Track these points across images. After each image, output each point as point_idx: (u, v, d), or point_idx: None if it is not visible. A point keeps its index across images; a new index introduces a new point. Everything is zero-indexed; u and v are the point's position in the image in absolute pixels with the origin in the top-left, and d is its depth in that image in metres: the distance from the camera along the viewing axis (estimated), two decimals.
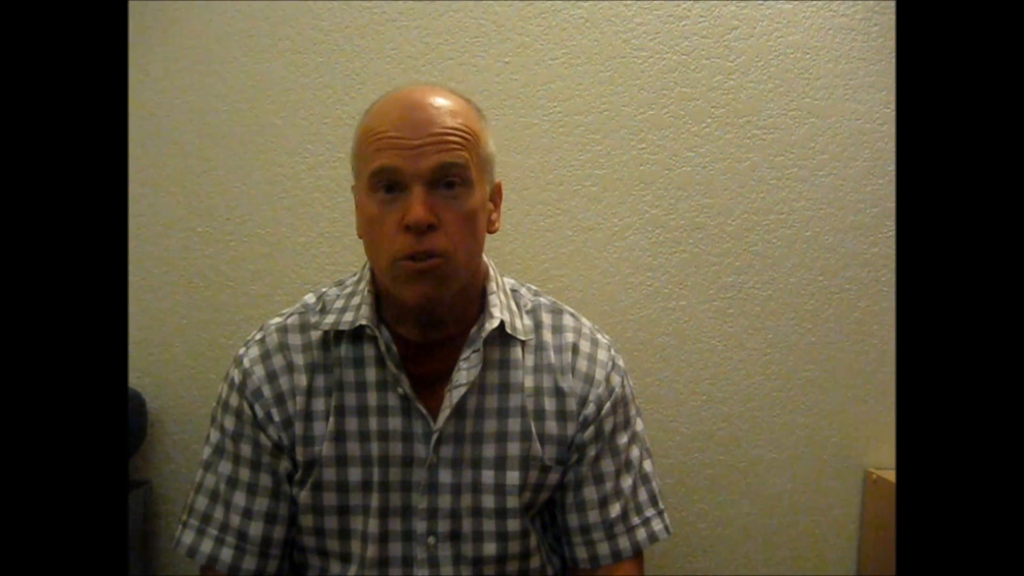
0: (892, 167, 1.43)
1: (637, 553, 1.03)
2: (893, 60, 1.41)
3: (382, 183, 0.89)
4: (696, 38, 1.40)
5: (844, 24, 1.41)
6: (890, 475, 1.39)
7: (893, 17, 1.41)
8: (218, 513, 0.97)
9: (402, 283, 0.89)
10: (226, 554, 0.96)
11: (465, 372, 0.95)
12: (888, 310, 1.44)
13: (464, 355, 0.96)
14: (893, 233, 1.43)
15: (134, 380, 1.39)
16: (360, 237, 0.95)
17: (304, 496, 0.96)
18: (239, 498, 0.96)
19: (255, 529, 0.96)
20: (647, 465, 1.06)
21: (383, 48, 1.39)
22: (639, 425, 1.06)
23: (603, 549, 1.01)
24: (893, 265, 1.43)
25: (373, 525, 0.95)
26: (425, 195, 0.87)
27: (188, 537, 0.98)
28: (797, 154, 1.42)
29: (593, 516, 1.01)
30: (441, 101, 0.91)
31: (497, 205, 1.00)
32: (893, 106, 1.42)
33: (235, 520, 0.96)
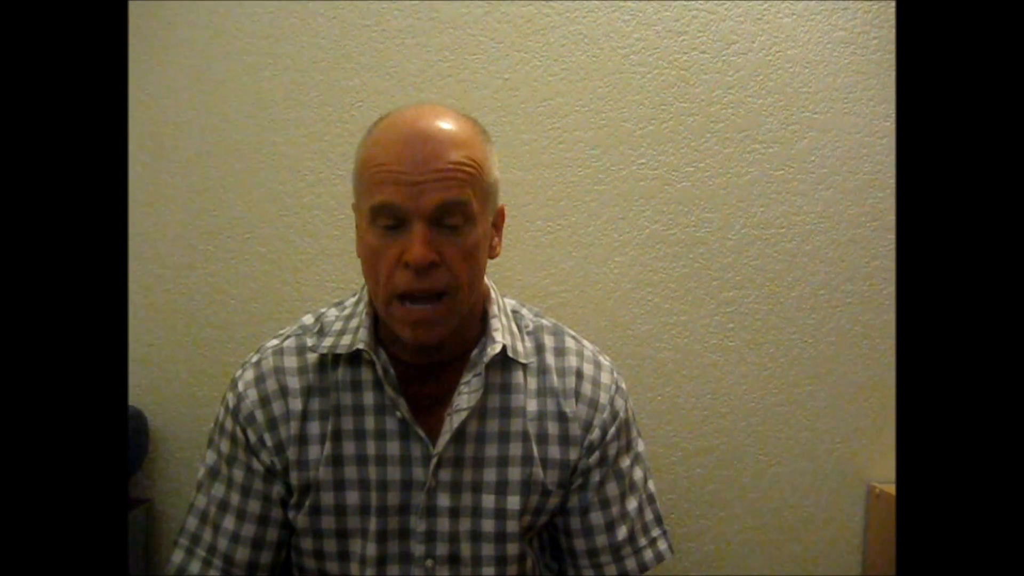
0: (892, 180, 1.42)
1: (644, 573, 1.03)
2: (892, 73, 1.41)
3: (382, 217, 0.88)
4: (695, 53, 1.41)
5: (843, 38, 1.41)
6: (893, 489, 1.38)
7: (892, 31, 1.41)
8: (207, 535, 0.97)
9: (398, 325, 0.89)
10: None
11: (466, 396, 0.94)
12: (889, 323, 1.43)
13: (465, 379, 0.95)
14: (894, 246, 1.43)
15: (136, 398, 1.40)
16: (359, 256, 0.95)
17: (302, 520, 0.95)
18: (228, 522, 0.96)
19: (241, 554, 0.96)
20: (651, 485, 1.06)
21: (383, 66, 1.39)
22: (640, 446, 1.06)
23: (611, 571, 1.01)
24: (894, 278, 1.43)
25: (371, 549, 0.95)
26: (426, 232, 0.86)
27: (178, 556, 0.98)
28: (797, 168, 1.42)
29: (601, 540, 1.01)
30: (446, 129, 0.89)
31: (499, 230, 0.99)
32: (892, 119, 1.42)
33: (222, 544, 0.96)
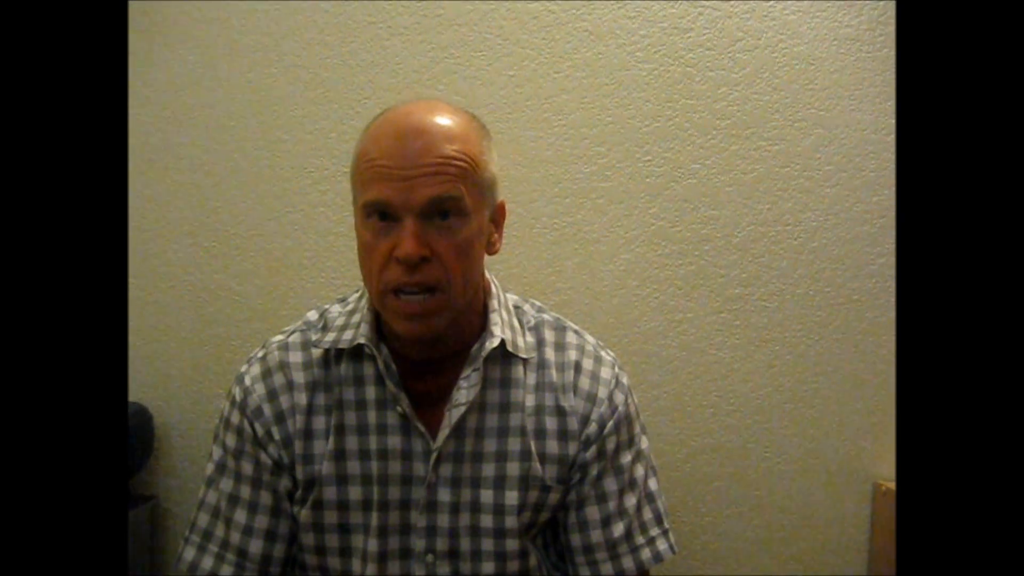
0: None
1: (642, 573, 1.02)
2: None
3: (375, 213, 0.87)
4: (700, 50, 1.40)
5: (848, 35, 1.41)
6: None
7: None
8: (219, 530, 0.97)
9: (393, 318, 0.89)
10: (226, 571, 0.96)
11: (465, 391, 0.94)
12: (894, 321, 1.43)
13: (464, 374, 0.95)
14: None
15: (140, 395, 1.40)
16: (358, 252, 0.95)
17: (305, 514, 0.95)
18: (240, 516, 0.96)
19: (255, 547, 0.96)
20: (652, 483, 1.04)
21: (388, 62, 1.39)
22: (644, 443, 1.05)
23: (607, 569, 0.99)
24: None
25: (373, 544, 0.94)
26: (417, 227, 0.85)
27: (189, 553, 0.98)
28: (802, 165, 1.42)
29: (596, 536, 0.99)
30: (439, 124, 0.88)
31: (499, 225, 0.97)
32: None
33: (235, 537, 0.96)
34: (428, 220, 0.86)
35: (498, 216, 0.97)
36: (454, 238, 0.87)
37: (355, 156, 0.91)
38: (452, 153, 0.86)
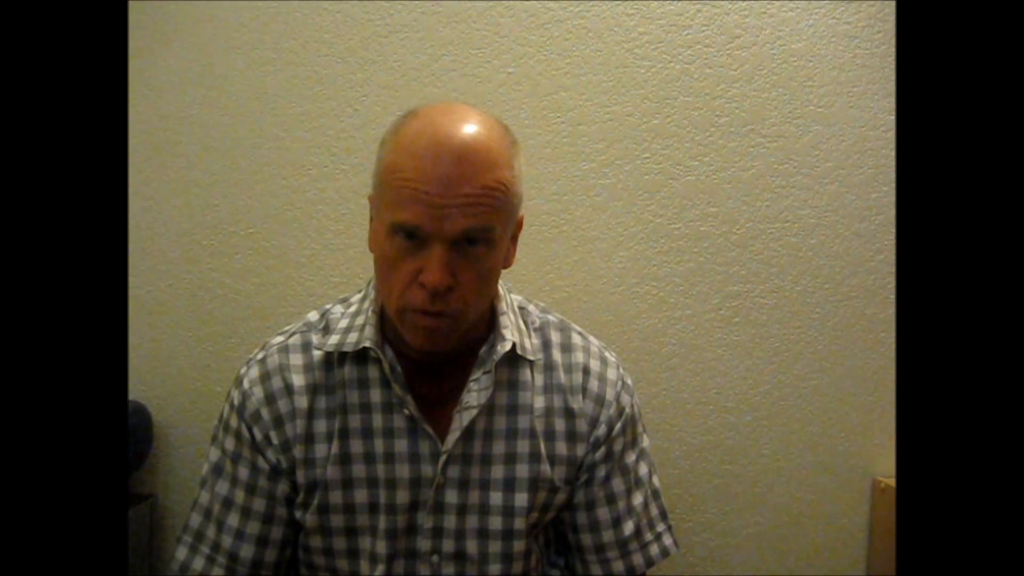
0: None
1: (649, 567, 1.03)
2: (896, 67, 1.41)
3: (402, 231, 0.85)
4: (699, 47, 1.40)
5: (847, 31, 1.41)
6: None
7: (895, 24, 1.41)
8: (211, 532, 0.97)
9: (408, 331, 0.88)
10: (217, 573, 0.95)
11: (476, 394, 0.94)
12: (894, 317, 1.43)
13: (474, 376, 0.95)
14: None
15: (139, 393, 1.40)
16: (371, 251, 0.92)
17: (311, 519, 0.95)
18: (232, 519, 0.96)
19: (246, 551, 0.95)
20: (655, 480, 1.06)
21: (386, 59, 1.39)
22: (645, 441, 1.06)
23: (618, 567, 1.01)
24: None
25: (381, 546, 0.94)
26: (445, 256, 0.83)
27: (181, 553, 0.97)
28: (801, 162, 1.42)
29: (607, 536, 1.01)
30: (479, 148, 0.84)
31: (516, 240, 0.96)
32: None
33: (226, 541, 0.95)
34: (456, 248, 0.85)
35: (516, 231, 0.96)
36: (479, 267, 0.86)
37: (385, 164, 0.87)
38: (490, 183, 0.84)
